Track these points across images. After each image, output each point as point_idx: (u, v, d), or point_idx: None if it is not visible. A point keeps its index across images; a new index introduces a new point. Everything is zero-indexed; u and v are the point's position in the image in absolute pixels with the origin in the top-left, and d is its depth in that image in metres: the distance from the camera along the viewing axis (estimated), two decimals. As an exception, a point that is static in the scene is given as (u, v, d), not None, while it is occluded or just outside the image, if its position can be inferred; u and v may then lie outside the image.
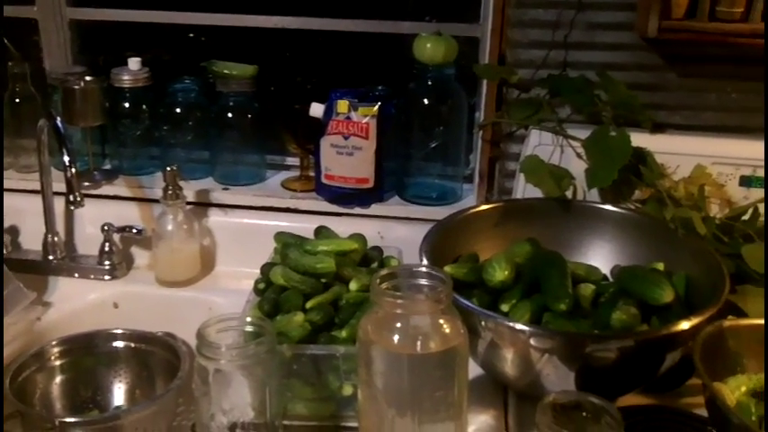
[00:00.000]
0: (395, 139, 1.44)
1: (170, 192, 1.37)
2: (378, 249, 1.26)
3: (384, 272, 0.87)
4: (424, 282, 0.88)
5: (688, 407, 1.03)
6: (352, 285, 1.10)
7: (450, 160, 1.47)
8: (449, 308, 0.85)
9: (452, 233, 1.18)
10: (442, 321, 0.85)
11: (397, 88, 1.45)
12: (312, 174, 1.49)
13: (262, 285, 1.13)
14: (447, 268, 1.09)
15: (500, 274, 1.06)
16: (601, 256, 1.20)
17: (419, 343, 0.84)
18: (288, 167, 1.59)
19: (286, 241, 1.22)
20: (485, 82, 1.39)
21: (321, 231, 1.25)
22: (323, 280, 1.11)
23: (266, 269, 1.15)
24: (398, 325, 0.84)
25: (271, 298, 1.08)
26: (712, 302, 0.96)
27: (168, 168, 1.36)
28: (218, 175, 1.54)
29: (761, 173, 1.26)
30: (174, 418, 1.12)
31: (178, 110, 1.52)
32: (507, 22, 1.33)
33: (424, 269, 0.89)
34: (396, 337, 0.84)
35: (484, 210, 1.23)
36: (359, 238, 1.23)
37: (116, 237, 1.45)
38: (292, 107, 1.45)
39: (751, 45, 1.20)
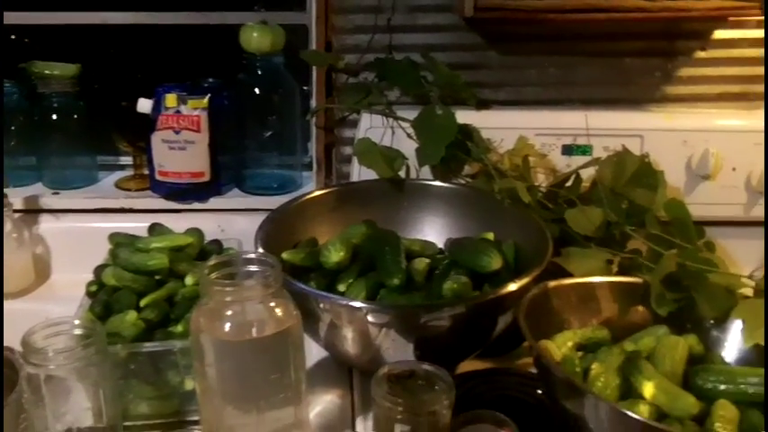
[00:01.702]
0: (229, 130, 1.43)
1: (-6, 200, 1.31)
2: (217, 243, 1.25)
3: (212, 262, 0.86)
4: (253, 268, 0.87)
5: (524, 367, 1.08)
6: (188, 280, 1.08)
7: (287, 149, 1.47)
8: (279, 291, 0.85)
9: (289, 220, 1.18)
10: (273, 305, 0.85)
11: (228, 80, 1.44)
12: (147, 172, 1.46)
13: (94, 288, 1.09)
14: (284, 254, 1.09)
15: (335, 255, 1.07)
16: (435, 232, 1.24)
17: (253, 330, 0.84)
18: (122, 167, 1.55)
19: (119, 241, 1.18)
20: (314, 68, 1.39)
21: (155, 228, 1.23)
22: (157, 277, 1.09)
23: (98, 271, 1.12)
24: (229, 313, 0.83)
25: (102, 300, 1.05)
26: (535, 264, 1.01)
27: (-12, 176, 1.30)
28: (48, 180, 1.48)
29: (581, 141, 1.32)
30: (18, 434, 1.07)
31: (-3, 116, 1.45)
32: (331, 8, 1.34)
33: (251, 255, 0.88)
34: (227, 326, 0.83)
35: (319, 195, 1.24)
36: (194, 232, 1.21)
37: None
38: (119, 105, 1.41)
39: (563, 21, 1.27)
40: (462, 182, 1.28)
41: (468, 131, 1.28)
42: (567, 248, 1.13)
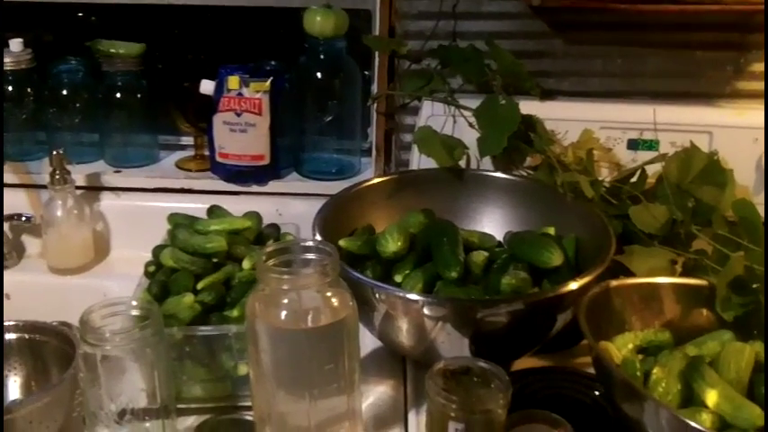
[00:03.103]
0: (289, 114, 1.43)
1: (57, 177, 1.32)
2: (274, 227, 1.25)
3: (269, 248, 0.86)
4: (310, 256, 0.87)
5: (581, 366, 1.06)
6: (245, 264, 1.08)
7: (346, 134, 1.46)
8: (336, 281, 0.85)
9: (346, 207, 1.18)
10: (329, 294, 0.84)
11: (289, 63, 1.44)
12: (207, 153, 1.46)
13: (152, 268, 1.10)
14: (341, 242, 1.08)
15: (393, 245, 1.06)
16: (494, 223, 1.22)
17: (308, 318, 0.83)
18: (183, 147, 1.56)
19: (178, 222, 1.19)
20: (377, 54, 1.38)
21: (213, 211, 1.23)
22: (214, 260, 1.09)
23: (157, 251, 1.13)
24: (285, 301, 0.83)
25: (160, 280, 1.06)
26: (598, 262, 0.98)
27: (54, 152, 1.32)
28: (109, 157, 1.50)
29: (647, 136, 1.29)
30: (74, 409, 1.09)
31: (64, 92, 1.48)
32: (396, -8, 1.33)
33: (309, 243, 0.88)
34: (283, 313, 0.83)
35: (377, 182, 1.23)
36: (253, 215, 1.21)
37: (5, 225, 1.39)
38: (182, 85, 1.42)
39: (631, 11, 1.23)
40: (524, 174, 1.25)
41: (531, 122, 1.25)
42: (630, 246, 1.11)
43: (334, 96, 1.41)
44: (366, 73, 1.46)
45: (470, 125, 1.27)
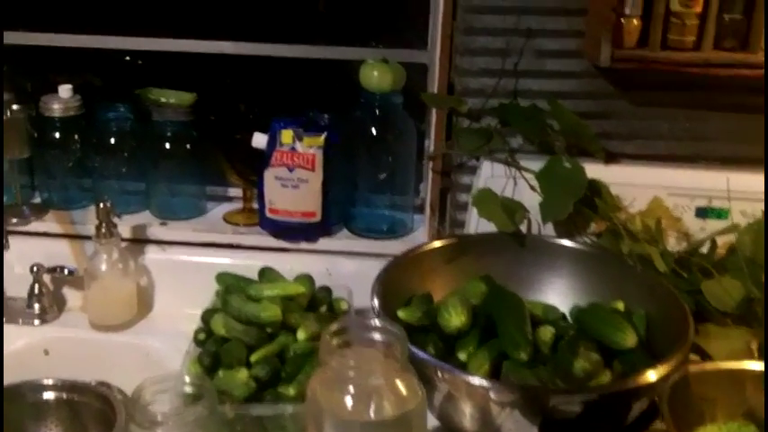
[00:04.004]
0: (341, 169, 1.38)
1: (103, 230, 1.29)
2: (326, 290, 1.20)
3: (334, 327, 0.81)
4: (377, 336, 0.82)
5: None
6: (300, 335, 1.03)
7: (399, 190, 1.41)
8: (405, 366, 0.80)
9: (404, 272, 1.13)
10: (397, 381, 0.79)
11: (341, 114, 1.40)
12: (255, 206, 1.42)
13: (202, 336, 1.06)
14: (400, 313, 1.03)
15: (456, 319, 1.00)
16: (557, 293, 1.16)
17: (373, 407, 0.78)
18: (230, 199, 1.52)
19: (228, 284, 1.15)
20: (434, 110, 1.34)
21: (265, 273, 1.19)
22: (268, 329, 1.04)
23: (207, 316, 1.08)
24: (350, 386, 0.78)
25: (211, 351, 1.01)
26: (677, 347, 0.93)
27: (101, 205, 1.28)
28: (155, 207, 1.46)
29: (717, 204, 1.23)
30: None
31: (112, 139, 1.44)
32: (455, 49, 1.29)
33: (377, 323, 0.83)
34: (347, 400, 0.78)
35: (436, 247, 1.18)
36: (306, 279, 1.17)
37: (46, 277, 1.36)
38: (233, 137, 1.38)
39: (702, 74, 1.18)
40: (587, 240, 1.20)
41: (596, 186, 1.20)
42: (705, 326, 1.05)
43: (389, 153, 1.36)
44: (420, 125, 1.42)
45: (532, 188, 1.23)
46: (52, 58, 1.56)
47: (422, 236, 1.40)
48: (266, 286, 1.11)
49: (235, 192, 1.50)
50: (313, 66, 1.47)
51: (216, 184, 1.52)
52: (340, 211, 1.42)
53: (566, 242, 1.18)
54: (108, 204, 1.29)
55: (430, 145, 1.37)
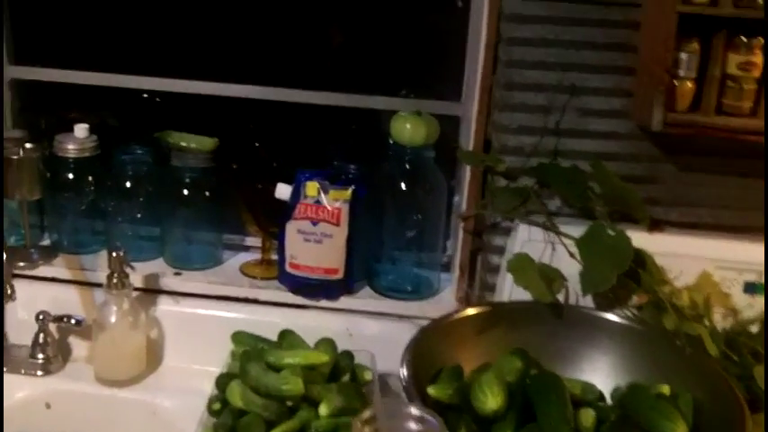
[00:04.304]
0: (367, 223, 1.31)
1: (114, 280, 1.22)
2: (348, 355, 1.12)
3: (366, 415, 0.74)
4: (413, 426, 0.74)
5: None
6: (323, 409, 0.96)
7: (426, 247, 1.34)
8: (442, 461, 0.72)
9: (434, 342, 1.06)
10: (434, 479, 0.72)
11: (369, 166, 1.33)
12: (274, 257, 1.36)
13: (217, 406, 0.98)
14: (431, 390, 0.96)
15: (492, 401, 0.93)
16: (596, 370, 1.09)
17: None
18: (247, 248, 1.45)
19: (245, 346, 1.08)
20: (467, 167, 1.27)
21: (285, 336, 1.11)
22: (288, 403, 0.97)
23: (222, 383, 1.01)
24: (384, 484, 0.71)
25: (227, 425, 0.93)
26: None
27: (114, 253, 1.22)
28: (170, 255, 1.39)
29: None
30: None
31: (127, 183, 1.38)
32: (494, 104, 1.22)
33: (414, 410, 0.75)
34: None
35: (468, 315, 1.11)
36: (328, 345, 1.09)
37: (52, 326, 1.29)
38: (255, 186, 1.32)
39: (758, 142, 1.11)
40: (630, 314, 1.12)
41: (640, 257, 1.13)
42: (757, 416, 0.97)
43: (418, 209, 1.29)
44: (450, 180, 1.36)
45: (571, 255, 1.15)
46: (68, 95, 1.50)
47: (449, 297, 1.33)
48: (287, 354, 1.03)
49: (253, 241, 1.43)
50: (341, 113, 1.41)
51: (233, 232, 1.45)
52: (363, 268, 1.35)
53: (606, 315, 1.11)
54: (121, 253, 1.22)
55: (462, 203, 1.30)
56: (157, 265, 1.38)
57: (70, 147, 1.37)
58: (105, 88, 1.45)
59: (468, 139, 1.26)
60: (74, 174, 1.38)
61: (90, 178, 1.39)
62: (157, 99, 1.54)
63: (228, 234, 1.45)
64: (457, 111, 1.34)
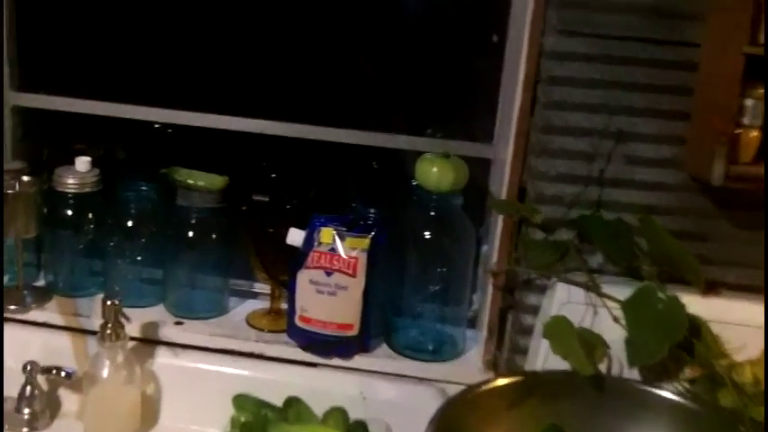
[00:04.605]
0: (386, 274, 1.19)
1: (108, 331, 1.11)
2: (362, 426, 1.00)
3: None
4: None
5: None
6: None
7: (451, 301, 1.22)
8: None
9: (460, 415, 0.94)
10: None
11: (390, 211, 1.22)
12: (284, 305, 1.24)
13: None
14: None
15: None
16: (643, 454, 0.96)
17: None
18: (255, 295, 1.34)
19: (247, 412, 0.97)
20: (499, 216, 1.15)
21: (292, 405, 1.00)
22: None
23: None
24: None
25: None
26: None
27: (108, 302, 1.10)
28: (172, 301, 1.28)
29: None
30: None
31: (129, 222, 1.27)
32: (531, 149, 1.11)
33: None
34: None
35: (499, 386, 0.99)
36: (338, 417, 0.98)
37: (40, 378, 1.17)
38: (265, 229, 1.21)
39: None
40: (682, 388, 0.99)
41: (694, 324, 1.00)
42: None
43: (443, 261, 1.18)
44: (478, 228, 1.24)
45: (615, 319, 1.03)
46: (74, 125, 1.41)
47: (474, 359, 1.20)
48: (293, 429, 0.91)
49: (262, 287, 1.31)
50: (362, 151, 1.30)
51: (242, 277, 1.34)
52: (380, 322, 1.23)
53: (654, 389, 0.99)
54: (117, 302, 1.11)
55: (491, 254, 1.18)
56: (158, 313, 1.27)
57: (70, 181, 1.27)
58: (114, 118, 1.36)
59: (501, 185, 1.15)
60: (73, 210, 1.28)
61: (90, 215, 1.29)
62: (169, 130, 1.44)
63: (236, 279, 1.34)
64: (488, 153, 1.23)
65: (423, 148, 1.21)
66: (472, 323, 1.27)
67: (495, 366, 1.17)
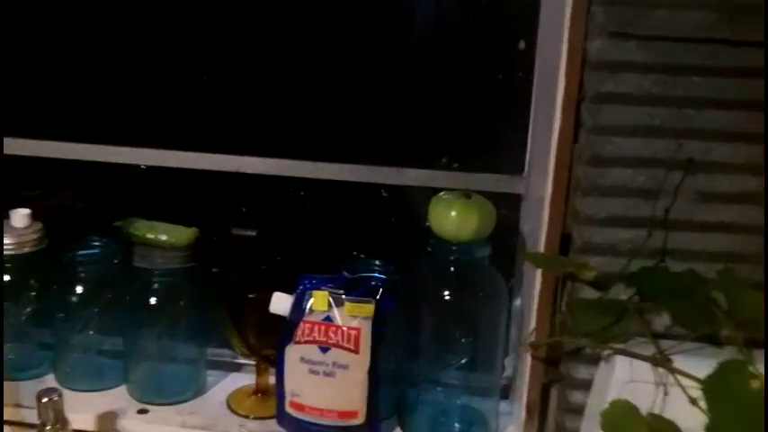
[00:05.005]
0: (397, 344, 0.96)
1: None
2: None
3: None
4: None
5: None
6: None
7: (479, 372, 0.98)
8: None
9: None
10: None
11: (399, 266, 0.99)
12: (273, 381, 1.01)
13: None
14: None
15: None
16: None
17: None
18: (239, 367, 1.11)
19: None
20: (539, 273, 0.91)
21: None
22: None
23: None
24: None
25: None
26: None
27: (45, 399, 0.87)
28: (135, 381, 1.05)
29: None
30: None
31: (79, 288, 1.04)
32: (576, 185, 0.87)
33: None
34: None
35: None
36: None
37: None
38: (243, 295, 0.98)
39: None
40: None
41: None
42: None
43: (468, 329, 0.94)
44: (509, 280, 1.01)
45: (692, 401, 0.79)
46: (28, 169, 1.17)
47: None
48: None
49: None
50: (360, 192, 1.06)
51: (221, 345, 1.11)
52: (391, 398, 1.00)
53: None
54: (55, 398, 0.87)
55: (528, 316, 0.94)
56: (118, 397, 1.04)
57: (6, 241, 1.03)
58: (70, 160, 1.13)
59: (538, 230, 0.91)
60: (10, 275, 1.05)
61: (32, 281, 1.06)
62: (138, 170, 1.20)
63: (215, 348, 1.10)
64: (518, 188, 1.00)
65: (437, 185, 0.99)
66: (505, 392, 1.04)
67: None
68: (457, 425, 0.98)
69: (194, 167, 1.07)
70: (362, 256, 1.00)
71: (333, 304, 0.91)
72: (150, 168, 1.12)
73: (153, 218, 1.03)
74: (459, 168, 1.05)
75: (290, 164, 1.04)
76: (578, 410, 0.90)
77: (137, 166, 1.13)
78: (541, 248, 0.90)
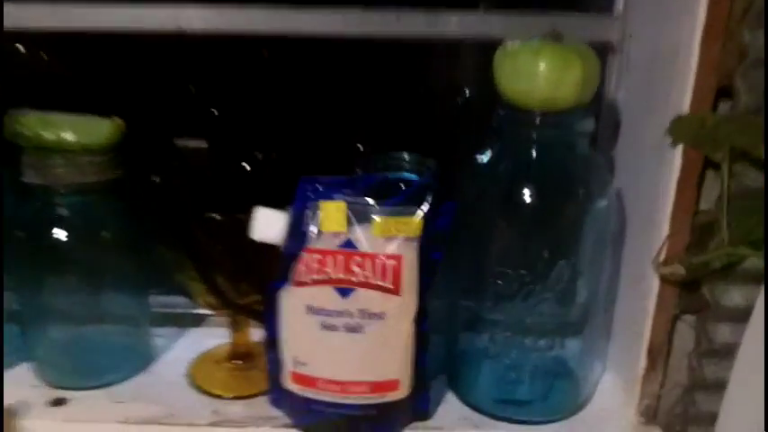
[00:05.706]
0: (449, 277, 0.63)
1: None
2: None
3: None
4: None
5: None
6: None
7: (573, 304, 0.66)
8: None
9: None
10: None
11: (452, 162, 0.65)
12: (252, 339, 0.68)
13: None
14: None
15: None
16: None
17: None
18: (199, 320, 0.77)
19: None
20: (680, 152, 0.59)
21: None
22: None
23: None
24: None
25: None
26: None
27: None
28: (45, 356, 0.70)
29: None
30: None
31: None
32: (734, 17, 0.54)
33: None
34: None
35: None
36: None
37: None
38: (205, 216, 0.62)
39: None
40: None
41: None
42: None
43: (563, 247, 0.61)
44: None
45: None
46: None
47: (616, 406, 0.66)
48: None
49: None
50: (389, 59, 0.71)
51: (169, 292, 0.76)
52: (439, 357, 0.67)
53: None
54: None
55: (658, 222, 0.62)
56: (20, 383, 0.68)
57: None
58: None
59: (643, 91, 0.58)
60: None
61: None
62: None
63: (162, 296, 0.76)
64: (608, 33, 0.66)
65: (494, 33, 0.64)
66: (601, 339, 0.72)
67: (653, 418, 0.64)
68: (539, 387, 0.67)
69: (105, 29, 0.70)
70: (403, 154, 0.65)
71: (354, 221, 0.58)
72: (49, 35, 0.74)
73: (50, 108, 0.66)
74: (487, 10, 0.70)
75: (264, 14, 0.68)
76: (728, 352, 0.60)
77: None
78: (648, 131, 0.58)
